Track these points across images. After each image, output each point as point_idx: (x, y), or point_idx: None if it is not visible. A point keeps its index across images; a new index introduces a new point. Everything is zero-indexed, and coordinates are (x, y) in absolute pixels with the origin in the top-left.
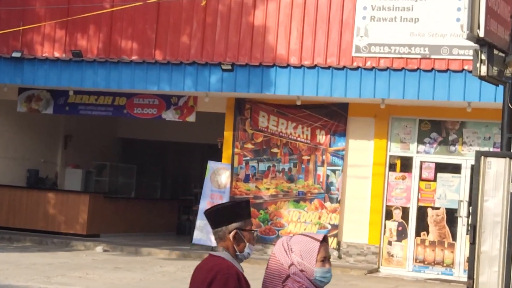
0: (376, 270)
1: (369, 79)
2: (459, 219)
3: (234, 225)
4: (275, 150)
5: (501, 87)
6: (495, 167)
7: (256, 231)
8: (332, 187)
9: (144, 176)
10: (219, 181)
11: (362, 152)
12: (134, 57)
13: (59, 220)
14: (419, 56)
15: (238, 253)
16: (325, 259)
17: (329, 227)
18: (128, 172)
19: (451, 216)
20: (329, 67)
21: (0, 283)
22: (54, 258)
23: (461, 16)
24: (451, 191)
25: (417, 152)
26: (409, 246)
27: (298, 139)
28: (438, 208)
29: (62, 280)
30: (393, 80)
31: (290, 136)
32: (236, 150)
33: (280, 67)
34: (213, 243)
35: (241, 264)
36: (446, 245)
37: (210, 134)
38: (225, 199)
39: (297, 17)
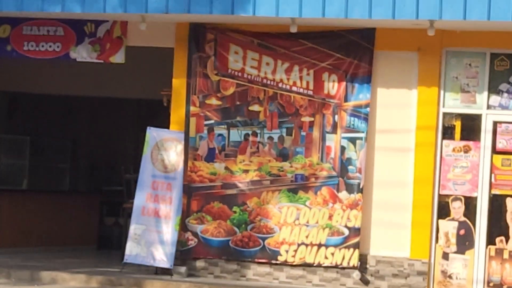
0: None
1: None
2: None
3: None
4: (256, 107)
5: None
6: None
7: None
8: (350, 167)
9: (43, 154)
10: (165, 160)
11: (398, 109)
12: None
13: None
14: None
15: None
16: None
17: (346, 232)
18: (17, 148)
19: None
20: None
21: None
22: None
23: None
24: None
25: (489, 107)
26: (478, 260)
27: (294, 89)
28: None
29: None
30: None
31: (280, 85)
32: (192, 109)
33: None
34: (157, 261)
35: None
36: None
37: (149, 83)
38: (176, 190)
39: None
